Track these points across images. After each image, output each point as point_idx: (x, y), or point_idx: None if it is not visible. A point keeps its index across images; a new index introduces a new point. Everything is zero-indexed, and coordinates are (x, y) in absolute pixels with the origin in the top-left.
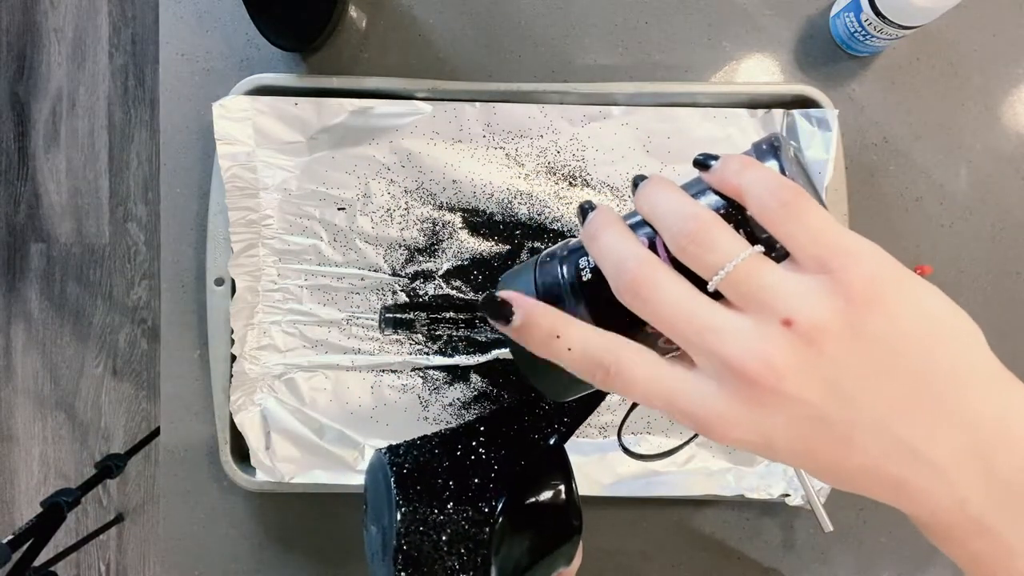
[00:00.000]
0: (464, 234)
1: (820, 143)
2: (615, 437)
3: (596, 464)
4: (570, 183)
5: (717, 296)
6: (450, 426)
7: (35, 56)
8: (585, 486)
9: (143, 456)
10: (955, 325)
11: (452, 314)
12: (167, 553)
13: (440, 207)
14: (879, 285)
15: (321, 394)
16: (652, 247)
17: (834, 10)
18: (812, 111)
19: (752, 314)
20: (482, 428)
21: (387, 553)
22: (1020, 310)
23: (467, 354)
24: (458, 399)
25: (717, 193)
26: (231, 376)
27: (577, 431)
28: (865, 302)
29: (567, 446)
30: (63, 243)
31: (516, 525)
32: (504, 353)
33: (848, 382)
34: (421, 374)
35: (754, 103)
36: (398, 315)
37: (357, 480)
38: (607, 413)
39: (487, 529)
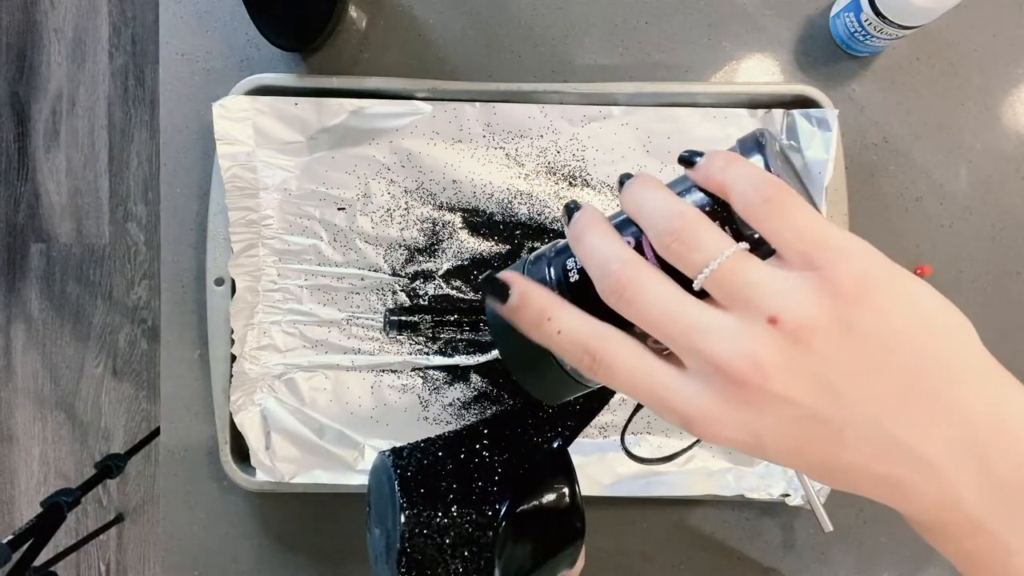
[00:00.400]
0: (464, 234)
1: (820, 143)
2: (615, 437)
3: (596, 464)
4: (570, 183)
5: (703, 295)
6: (453, 428)
7: (35, 56)
8: (585, 486)
9: (143, 456)
10: (947, 321)
11: (456, 317)
12: (167, 553)
13: (440, 207)
14: (870, 282)
15: (321, 394)
16: (639, 246)
17: (834, 10)
18: (812, 111)
19: (737, 312)
20: (485, 431)
21: (391, 556)
22: (1020, 310)
23: (467, 354)
24: (458, 399)
25: (703, 190)
26: (231, 376)
27: None
28: (855, 298)
29: None
30: (63, 243)
31: (520, 528)
32: None
33: (838, 379)
34: (421, 374)
35: (754, 103)
36: (403, 318)
37: (357, 480)
38: (607, 413)
39: (491, 532)
